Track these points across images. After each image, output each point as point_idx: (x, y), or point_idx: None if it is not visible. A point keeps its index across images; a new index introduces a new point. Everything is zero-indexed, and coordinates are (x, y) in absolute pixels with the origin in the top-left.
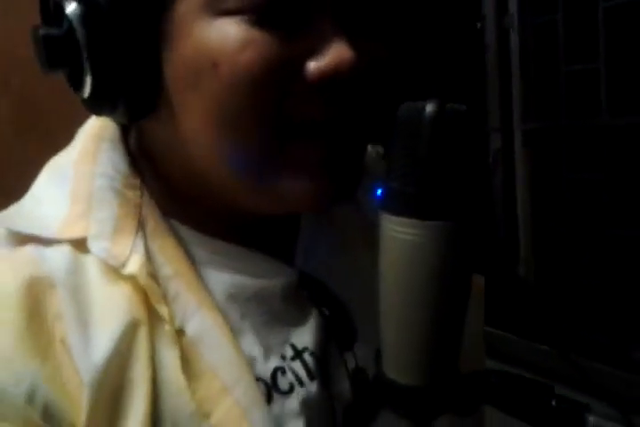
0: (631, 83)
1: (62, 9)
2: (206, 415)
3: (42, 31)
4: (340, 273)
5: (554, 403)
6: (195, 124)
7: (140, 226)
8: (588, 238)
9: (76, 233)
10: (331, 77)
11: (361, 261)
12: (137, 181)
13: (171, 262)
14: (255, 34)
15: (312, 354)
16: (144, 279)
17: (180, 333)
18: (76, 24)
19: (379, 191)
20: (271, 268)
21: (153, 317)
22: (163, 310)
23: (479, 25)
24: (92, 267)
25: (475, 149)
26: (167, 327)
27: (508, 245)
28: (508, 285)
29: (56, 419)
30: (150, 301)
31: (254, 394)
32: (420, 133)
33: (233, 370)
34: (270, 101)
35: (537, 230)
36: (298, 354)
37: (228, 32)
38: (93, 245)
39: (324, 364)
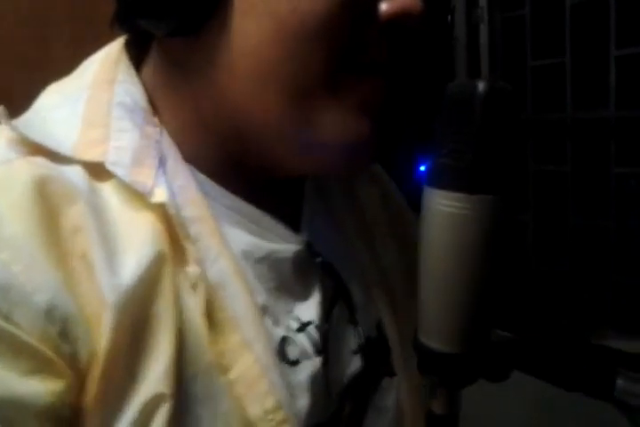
0: (595, 78)
1: None
2: (225, 369)
3: None
4: (335, 249)
5: (584, 367)
6: (263, 32)
7: (161, 163)
8: (554, 228)
9: (92, 156)
10: (400, 20)
11: (351, 241)
12: (156, 119)
13: (191, 205)
14: None
15: (317, 327)
16: (173, 210)
17: (202, 277)
18: None
19: (423, 167)
20: (282, 233)
21: (176, 255)
22: (190, 249)
23: (449, 18)
24: (110, 193)
25: (516, 128)
26: (191, 268)
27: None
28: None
29: (73, 340)
30: (176, 236)
31: (272, 354)
32: (474, 110)
33: (252, 326)
34: (342, 36)
35: None
36: (303, 327)
37: None
38: (116, 169)
39: (328, 338)
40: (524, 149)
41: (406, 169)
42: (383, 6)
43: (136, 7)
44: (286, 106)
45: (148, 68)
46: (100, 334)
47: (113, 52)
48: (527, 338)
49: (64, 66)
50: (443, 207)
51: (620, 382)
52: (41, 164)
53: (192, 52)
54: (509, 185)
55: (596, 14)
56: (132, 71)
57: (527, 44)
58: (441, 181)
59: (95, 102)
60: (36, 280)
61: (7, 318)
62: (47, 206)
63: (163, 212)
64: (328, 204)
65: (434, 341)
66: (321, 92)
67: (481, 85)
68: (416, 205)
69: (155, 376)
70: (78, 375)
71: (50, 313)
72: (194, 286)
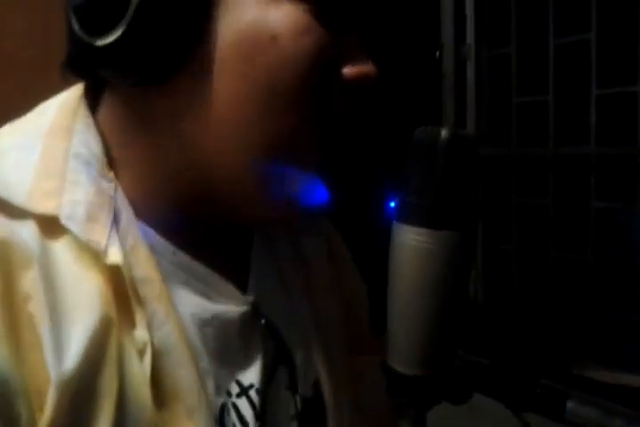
0: (576, 115)
1: None
2: None
3: None
4: (280, 306)
5: (538, 391)
6: (230, 95)
7: (114, 220)
8: (534, 260)
9: (46, 209)
10: (361, 82)
11: (294, 295)
12: (111, 174)
13: (141, 266)
14: (314, 23)
15: (257, 391)
16: (127, 273)
17: (149, 341)
18: None
19: (393, 204)
20: (229, 293)
21: (124, 318)
22: (139, 312)
23: (438, 54)
24: (62, 250)
25: (477, 170)
26: (139, 333)
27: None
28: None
29: (16, 417)
30: (125, 298)
31: (212, 423)
32: (437, 155)
33: (194, 395)
34: (311, 98)
35: (486, 252)
36: (244, 391)
37: (289, 13)
38: (71, 225)
39: (267, 403)
40: (507, 184)
41: (377, 205)
42: (346, 70)
43: (96, 56)
44: (254, 161)
45: (104, 114)
46: (42, 412)
47: (72, 97)
48: (486, 363)
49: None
50: (409, 241)
51: (569, 404)
52: None
53: (153, 101)
54: (470, 222)
55: (578, 55)
56: (91, 121)
57: (512, 82)
58: (408, 217)
59: (51, 151)
60: None
61: None
62: (3, 272)
63: (114, 272)
64: (275, 259)
65: (401, 365)
66: (288, 150)
67: (444, 132)
68: (387, 238)
69: None
70: None
71: None
72: (140, 353)
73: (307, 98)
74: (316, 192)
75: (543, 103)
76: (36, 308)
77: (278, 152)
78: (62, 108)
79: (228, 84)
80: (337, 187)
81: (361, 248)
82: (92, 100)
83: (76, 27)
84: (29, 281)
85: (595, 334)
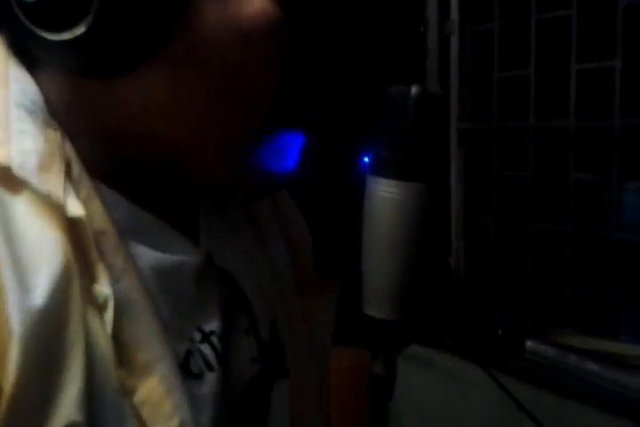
0: (557, 90)
1: None
2: (131, 392)
3: None
4: (233, 256)
5: (500, 331)
6: (203, 87)
7: (67, 170)
8: (515, 232)
9: None
10: (329, 68)
11: (248, 246)
12: (55, 123)
13: (96, 218)
14: (281, 15)
15: (219, 337)
16: (90, 225)
17: (109, 296)
18: None
19: (366, 159)
20: (183, 245)
21: (85, 271)
22: (99, 264)
23: (422, 29)
24: (17, 201)
25: (444, 128)
26: (99, 287)
27: (441, 238)
28: (438, 272)
29: None
30: (85, 251)
31: (175, 373)
32: (407, 110)
33: (155, 346)
34: (287, 77)
35: (468, 222)
36: (205, 337)
37: (261, 10)
38: (26, 175)
39: (229, 347)
40: (489, 157)
41: (353, 160)
42: (316, 57)
43: (50, 50)
44: (225, 150)
45: (40, 76)
46: (5, 366)
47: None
48: (455, 310)
49: None
50: (382, 193)
51: (529, 343)
52: None
53: (109, 85)
54: (437, 176)
55: (559, 31)
56: (25, 72)
57: (495, 57)
58: (380, 170)
59: None
60: None
61: None
62: None
63: (75, 225)
64: (223, 211)
65: (376, 310)
66: (259, 138)
67: (414, 89)
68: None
69: (66, 405)
70: None
71: None
72: (100, 308)
73: (277, 88)
74: (284, 165)
75: (525, 78)
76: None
77: (249, 137)
78: None
79: (197, 76)
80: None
81: (337, 202)
82: (20, 58)
83: (24, 21)
84: None
85: (572, 302)
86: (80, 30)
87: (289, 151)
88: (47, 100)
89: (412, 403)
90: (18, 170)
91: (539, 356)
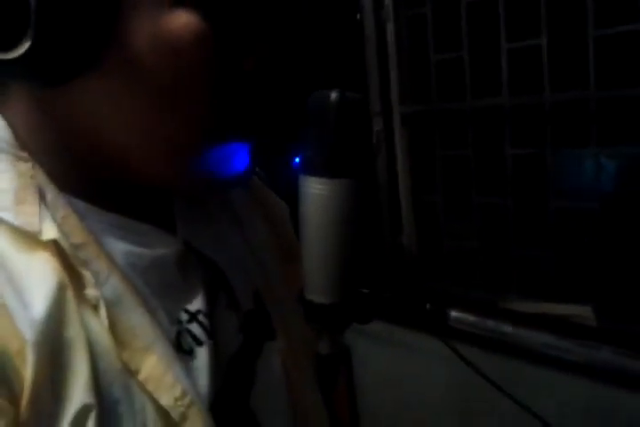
0: (490, 69)
1: None
2: (135, 372)
3: None
4: (209, 239)
5: (428, 306)
6: (142, 95)
7: (41, 197)
8: (459, 206)
9: None
10: (260, 69)
11: (223, 228)
12: (25, 154)
13: (75, 232)
14: (208, 27)
15: (205, 315)
16: (65, 243)
17: (99, 296)
18: None
19: (297, 159)
20: (161, 238)
21: (74, 281)
22: (86, 274)
23: (359, 17)
24: (4, 236)
25: (365, 127)
26: (89, 292)
27: (391, 216)
28: (392, 252)
29: (9, 380)
30: (70, 266)
31: (171, 352)
32: (328, 113)
33: (149, 332)
34: (219, 84)
35: (416, 201)
36: (193, 317)
37: (188, 22)
38: (2, 214)
39: (215, 322)
40: (431, 138)
41: (286, 162)
42: (245, 63)
43: (16, 67)
44: (169, 155)
45: (4, 103)
46: (25, 368)
47: None
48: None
49: None
50: (312, 190)
51: (453, 313)
52: None
53: (56, 97)
54: (361, 171)
55: (488, 12)
56: None
57: (429, 40)
58: (309, 169)
59: None
60: None
61: None
62: None
63: (54, 245)
64: (201, 203)
65: (315, 295)
66: (198, 140)
67: (333, 95)
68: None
69: (78, 391)
70: (17, 409)
71: None
72: (95, 308)
73: (213, 94)
74: (233, 167)
75: (459, 60)
76: (2, 289)
77: (190, 141)
78: None
79: (134, 87)
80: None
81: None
82: None
83: None
84: None
85: (515, 270)
86: (23, 48)
87: (232, 153)
88: (14, 128)
89: (374, 375)
90: None
91: (462, 324)
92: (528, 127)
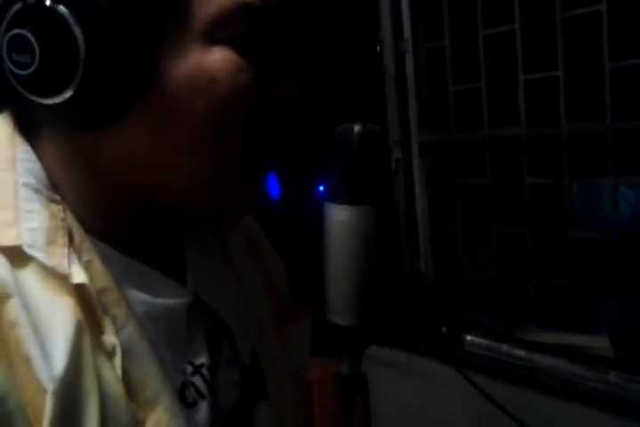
0: (507, 100)
1: (58, 13)
2: (141, 423)
3: (27, 30)
4: (215, 292)
5: (444, 330)
6: (182, 130)
7: (70, 240)
8: (478, 235)
9: (8, 241)
10: (287, 102)
11: (226, 281)
12: (57, 197)
13: (98, 277)
14: (242, 61)
15: (207, 368)
16: (92, 289)
17: (116, 344)
18: (74, 27)
19: (322, 188)
20: (173, 288)
21: (92, 327)
22: (105, 321)
23: (378, 49)
24: (31, 277)
25: (385, 158)
26: (106, 338)
27: (409, 245)
28: (410, 279)
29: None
30: (92, 311)
31: (176, 403)
32: (352, 146)
33: (158, 382)
34: (252, 115)
35: (434, 229)
36: (196, 370)
37: (223, 57)
38: (35, 253)
39: (217, 376)
40: (449, 167)
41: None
42: (279, 90)
43: (44, 112)
44: (206, 182)
45: (43, 145)
46: (38, 418)
47: (4, 128)
48: (408, 313)
49: None
50: (335, 217)
51: (468, 337)
52: None
53: (96, 139)
54: (380, 199)
55: (505, 44)
56: (29, 148)
57: (448, 72)
58: (333, 197)
59: (3, 184)
60: None
61: None
62: None
63: (80, 289)
64: (205, 254)
65: (336, 317)
66: (231, 168)
67: (357, 127)
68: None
69: None
70: None
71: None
72: (109, 355)
73: (246, 125)
74: (260, 193)
75: (477, 90)
76: (22, 332)
77: (226, 170)
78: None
79: (176, 124)
80: (279, 183)
81: (301, 227)
82: (23, 129)
83: (19, 88)
84: (12, 310)
85: (535, 299)
86: (68, 94)
87: (261, 180)
88: (49, 171)
89: (390, 405)
90: (28, 249)
91: (477, 347)
92: (545, 157)
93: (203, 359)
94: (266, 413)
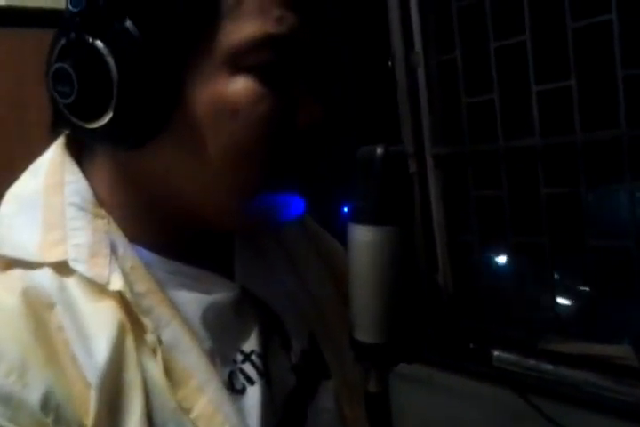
0: (521, 111)
1: (94, 47)
2: (187, 411)
3: (67, 63)
4: (265, 282)
5: (471, 346)
6: (207, 154)
7: (112, 251)
8: (495, 246)
9: (56, 257)
10: (312, 125)
11: (278, 268)
12: (102, 211)
13: (141, 281)
14: (265, 90)
15: (259, 355)
16: (129, 294)
17: (158, 341)
18: (108, 59)
19: (346, 209)
20: (219, 284)
21: (135, 327)
22: (146, 321)
23: (390, 63)
24: (74, 286)
25: (408, 178)
26: (148, 336)
27: (427, 257)
28: (429, 292)
29: (66, 421)
30: (133, 313)
31: (222, 392)
32: (374, 166)
33: (203, 373)
34: (274, 141)
35: (451, 241)
36: (246, 357)
37: (245, 86)
38: (77, 266)
39: (268, 362)
40: (464, 178)
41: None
42: (299, 120)
43: (89, 135)
44: (233, 201)
45: (91, 166)
46: (87, 410)
47: (56, 154)
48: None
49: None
50: (360, 237)
51: (496, 353)
52: (17, 276)
53: (137, 159)
54: (405, 219)
55: (516, 55)
56: (77, 169)
57: (460, 84)
58: (357, 218)
59: (49, 207)
60: (30, 383)
61: (11, 421)
62: (33, 315)
63: (119, 294)
64: (257, 246)
65: (362, 335)
66: (258, 188)
67: (379, 149)
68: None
69: None
70: None
71: (44, 406)
72: (153, 351)
73: (268, 150)
74: (285, 210)
75: (490, 102)
76: (68, 334)
77: (250, 191)
78: (51, 166)
79: (200, 148)
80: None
81: None
82: (75, 151)
83: (66, 113)
84: (57, 316)
85: (558, 309)
86: (107, 118)
87: (287, 196)
88: (96, 186)
89: (414, 421)
90: (72, 263)
91: (505, 362)
92: (561, 167)
93: (252, 346)
94: (329, 391)
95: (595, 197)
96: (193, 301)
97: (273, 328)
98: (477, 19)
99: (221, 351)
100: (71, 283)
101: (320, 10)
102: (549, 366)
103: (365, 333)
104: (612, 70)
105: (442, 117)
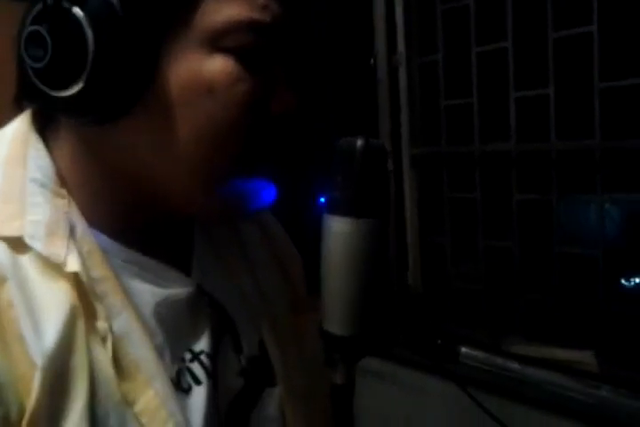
0: (498, 116)
1: (73, 14)
2: (131, 404)
3: (43, 27)
4: (221, 282)
5: (439, 341)
6: (181, 133)
7: (71, 232)
8: (467, 249)
9: (10, 231)
10: (286, 113)
11: (235, 269)
12: (63, 191)
13: (97, 267)
14: (242, 72)
15: (207, 355)
16: (85, 277)
17: (109, 329)
18: (85, 28)
19: (322, 200)
20: (175, 278)
21: (87, 313)
22: (99, 308)
23: (372, 62)
24: (29, 264)
25: (386, 171)
26: (100, 324)
27: (398, 256)
28: (398, 291)
29: (5, 400)
30: (86, 298)
31: (169, 389)
32: (354, 158)
33: (151, 367)
34: (248, 125)
35: (423, 242)
36: (195, 356)
37: (222, 65)
38: (34, 243)
39: (217, 364)
40: (439, 180)
41: (310, 201)
42: (273, 107)
43: (57, 104)
44: (201, 182)
45: (55, 141)
46: (29, 391)
47: (22, 126)
48: (404, 326)
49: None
50: (337, 228)
51: (463, 349)
52: None
53: (105, 135)
54: (383, 212)
55: (497, 62)
56: (41, 146)
57: (440, 86)
58: (334, 208)
59: (10, 179)
60: None
61: None
62: None
63: (75, 277)
64: (214, 244)
65: (332, 327)
66: (229, 172)
67: (359, 141)
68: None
69: (75, 418)
70: None
71: None
72: (103, 340)
73: (242, 134)
74: (254, 197)
75: (469, 105)
76: (17, 313)
77: (220, 173)
78: (15, 138)
79: (174, 126)
80: (275, 189)
81: (298, 236)
82: (41, 125)
83: (34, 80)
84: (8, 292)
85: (520, 313)
86: (77, 88)
87: (258, 184)
88: (58, 163)
89: (376, 417)
90: (28, 239)
91: (471, 360)
92: (534, 173)
93: (203, 347)
94: (274, 399)
95: (564, 205)
96: (147, 292)
97: (225, 330)
98: (461, 23)
99: (171, 348)
100: (25, 260)
101: (305, 3)
102: (516, 365)
103: (336, 324)
104: (590, 82)
105: (420, 118)
